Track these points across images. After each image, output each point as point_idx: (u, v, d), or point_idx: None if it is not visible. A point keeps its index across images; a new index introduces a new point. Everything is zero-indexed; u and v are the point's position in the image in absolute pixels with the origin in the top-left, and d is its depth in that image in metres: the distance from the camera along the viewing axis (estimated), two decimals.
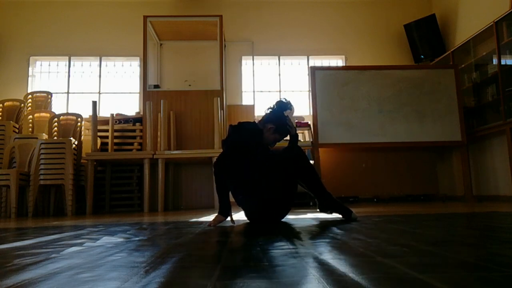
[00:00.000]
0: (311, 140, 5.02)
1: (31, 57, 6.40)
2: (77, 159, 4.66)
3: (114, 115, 5.18)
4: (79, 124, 4.98)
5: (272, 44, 6.56)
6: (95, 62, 6.56)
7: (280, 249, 1.16)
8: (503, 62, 4.56)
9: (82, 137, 5.00)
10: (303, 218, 2.56)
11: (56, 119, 4.98)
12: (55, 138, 4.85)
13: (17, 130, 4.99)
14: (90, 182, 4.52)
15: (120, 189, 5.06)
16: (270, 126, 2.30)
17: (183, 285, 0.75)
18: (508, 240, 1.22)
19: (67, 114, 5.19)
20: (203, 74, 6.26)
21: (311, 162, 2.41)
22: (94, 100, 4.89)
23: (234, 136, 2.25)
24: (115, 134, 5.13)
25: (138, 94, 6.45)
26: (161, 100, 4.96)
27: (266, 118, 2.34)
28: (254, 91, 6.56)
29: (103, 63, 6.56)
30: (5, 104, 5.29)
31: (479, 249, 1.08)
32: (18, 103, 5.33)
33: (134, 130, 5.24)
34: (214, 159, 2.34)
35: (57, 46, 6.41)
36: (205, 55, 6.40)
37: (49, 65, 6.56)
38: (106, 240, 1.57)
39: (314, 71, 5.12)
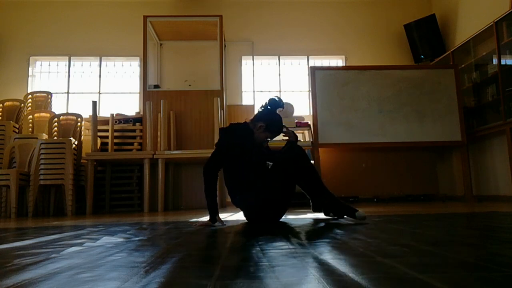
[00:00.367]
0: (311, 140, 5.02)
1: (31, 57, 6.40)
2: (77, 159, 4.65)
3: (114, 115, 5.18)
4: (79, 124, 4.98)
5: (272, 44, 6.56)
6: (95, 62, 6.56)
7: (280, 249, 1.16)
8: (503, 62, 4.56)
9: (82, 137, 5.00)
10: (303, 218, 2.56)
11: (56, 119, 4.98)
12: (55, 138, 4.85)
13: (17, 130, 4.99)
14: (90, 182, 4.51)
15: (120, 189, 5.06)
16: (260, 124, 2.26)
17: (183, 285, 0.75)
18: (508, 240, 1.22)
19: (67, 114, 5.19)
20: (203, 74, 6.26)
21: (311, 162, 2.39)
22: (94, 100, 4.89)
23: (225, 138, 2.24)
24: (115, 134, 5.13)
25: (138, 94, 6.45)
26: (161, 100, 4.96)
27: (257, 116, 2.31)
28: (254, 91, 6.56)
29: (103, 63, 6.56)
30: (5, 104, 5.29)
31: (479, 249, 1.08)
32: (18, 103, 5.33)
33: (134, 130, 5.24)
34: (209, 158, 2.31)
35: (57, 46, 6.41)
36: (205, 55, 6.40)
37: (49, 65, 6.56)
38: (106, 240, 1.57)
39: (314, 71, 5.12)
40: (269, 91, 6.60)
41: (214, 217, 2.12)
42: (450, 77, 5.11)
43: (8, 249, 1.37)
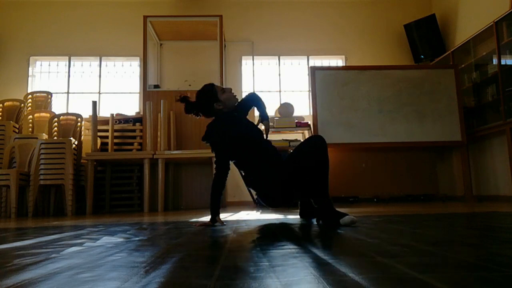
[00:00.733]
0: None
1: (31, 57, 6.39)
2: (77, 159, 4.65)
3: (114, 115, 5.18)
4: (79, 124, 4.98)
5: (272, 44, 6.56)
6: (95, 62, 6.55)
7: (280, 249, 1.16)
8: (503, 62, 4.56)
9: (82, 137, 5.00)
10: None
11: (56, 119, 4.98)
12: (55, 138, 4.85)
13: (17, 130, 4.99)
14: (90, 182, 4.51)
15: (120, 189, 5.06)
16: (213, 102, 2.50)
17: (183, 285, 0.75)
18: (508, 240, 1.22)
19: (67, 114, 5.19)
20: (203, 74, 6.24)
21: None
22: (94, 100, 4.89)
23: (210, 131, 2.35)
24: (115, 134, 5.13)
25: (138, 94, 6.44)
26: (161, 100, 4.96)
27: (205, 104, 2.60)
28: (254, 91, 6.55)
29: (103, 63, 6.56)
30: (5, 104, 5.29)
31: (479, 249, 1.08)
32: (18, 103, 5.33)
33: (134, 130, 5.24)
34: (214, 159, 2.34)
35: (57, 46, 6.40)
36: (205, 55, 6.40)
37: (49, 65, 6.56)
38: (106, 240, 1.57)
39: (314, 71, 5.12)
40: (269, 91, 6.60)
41: (215, 218, 2.15)
42: (450, 77, 5.11)
43: (8, 249, 1.37)
